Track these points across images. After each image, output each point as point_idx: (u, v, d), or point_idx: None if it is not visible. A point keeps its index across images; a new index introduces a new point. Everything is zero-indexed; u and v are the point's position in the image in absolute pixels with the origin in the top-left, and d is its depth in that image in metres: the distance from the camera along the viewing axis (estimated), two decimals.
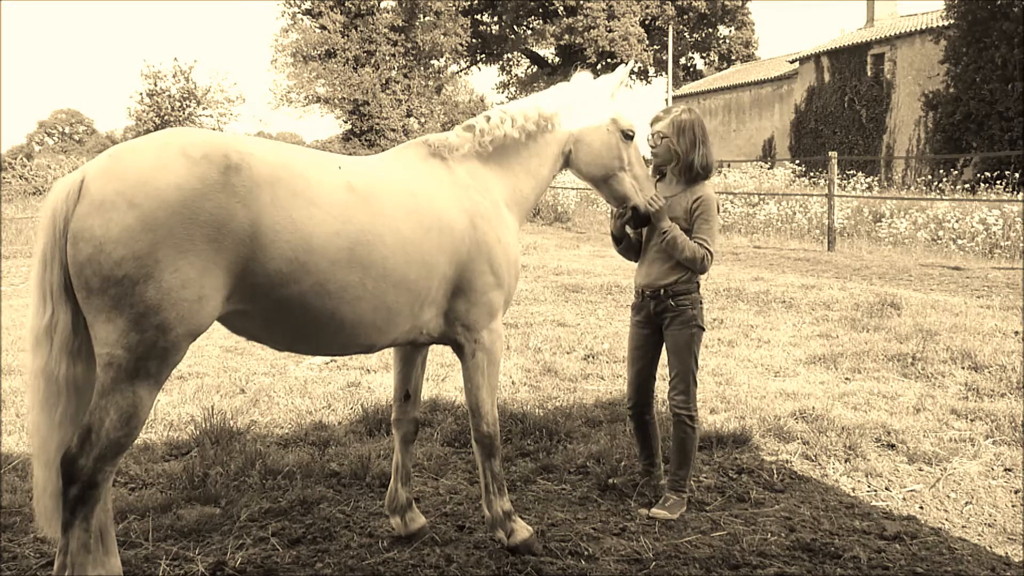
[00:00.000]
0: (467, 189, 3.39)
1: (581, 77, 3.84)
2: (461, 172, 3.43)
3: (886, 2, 36.32)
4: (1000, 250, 14.49)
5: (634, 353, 4.21)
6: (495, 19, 53.38)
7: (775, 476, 4.43)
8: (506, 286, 3.44)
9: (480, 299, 3.36)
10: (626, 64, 4.04)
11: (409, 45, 43.57)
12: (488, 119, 3.57)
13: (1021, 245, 14.08)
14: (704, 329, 4.11)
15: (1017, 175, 20.85)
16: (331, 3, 42.33)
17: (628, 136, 3.76)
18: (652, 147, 4.08)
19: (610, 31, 47.95)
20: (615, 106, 3.77)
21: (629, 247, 4.21)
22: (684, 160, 3.97)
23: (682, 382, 4.02)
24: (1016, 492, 4.27)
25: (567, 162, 3.78)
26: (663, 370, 4.17)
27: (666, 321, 4.03)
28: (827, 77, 35.18)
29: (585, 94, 3.76)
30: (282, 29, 44.30)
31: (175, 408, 5.57)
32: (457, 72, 55.25)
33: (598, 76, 3.93)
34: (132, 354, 2.61)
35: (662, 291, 4.01)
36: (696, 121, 4.00)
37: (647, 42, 49.68)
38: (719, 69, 53.10)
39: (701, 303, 4.07)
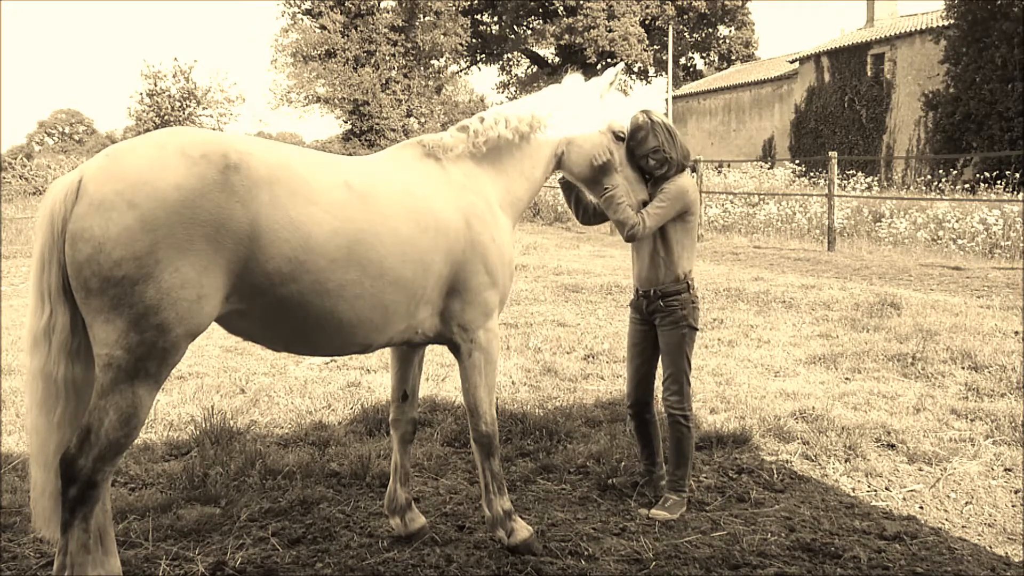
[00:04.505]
0: (462, 189, 3.40)
1: (573, 79, 3.86)
2: (456, 172, 3.44)
3: (886, 2, 36.30)
4: (1000, 250, 14.47)
5: (632, 350, 4.23)
6: (495, 19, 53.31)
7: (775, 476, 4.43)
8: (501, 286, 3.45)
9: (475, 299, 3.36)
10: (616, 66, 4.02)
11: (409, 45, 43.55)
12: (482, 120, 3.59)
13: (1021, 245, 14.07)
14: (696, 329, 4.09)
15: (1017, 175, 20.84)
16: (331, 3, 42.31)
17: (619, 138, 3.79)
18: (655, 165, 3.93)
19: (610, 31, 47.89)
20: (607, 107, 3.78)
21: (588, 214, 4.10)
22: (678, 161, 3.96)
23: (675, 382, 4.03)
24: (1016, 492, 4.27)
25: (559, 163, 3.79)
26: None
27: (657, 320, 4.05)
28: (827, 77, 35.17)
29: (577, 96, 3.77)
30: (282, 29, 44.30)
31: (175, 408, 5.57)
32: (457, 72, 55.24)
33: (597, 76, 3.93)
34: (131, 354, 2.61)
35: (652, 291, 4.03)
36: (660, 117, 3.97)
37: (647, 42, 49.59)
38: (719, 69, 53.07)
39: (694, 303, 4.05)
